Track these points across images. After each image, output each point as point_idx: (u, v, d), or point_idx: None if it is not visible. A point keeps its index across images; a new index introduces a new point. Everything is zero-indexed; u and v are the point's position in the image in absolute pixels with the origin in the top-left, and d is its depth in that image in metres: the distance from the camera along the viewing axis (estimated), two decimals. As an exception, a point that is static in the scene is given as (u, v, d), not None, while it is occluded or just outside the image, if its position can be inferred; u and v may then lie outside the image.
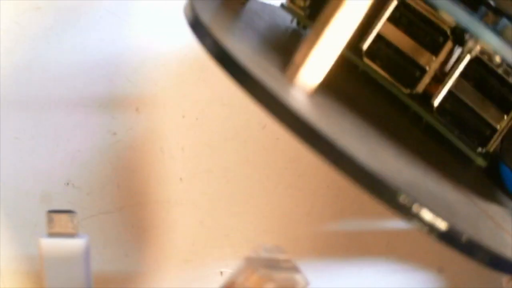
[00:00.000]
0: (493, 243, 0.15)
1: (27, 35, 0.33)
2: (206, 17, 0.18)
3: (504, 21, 0.17)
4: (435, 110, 0.21)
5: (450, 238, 0.14)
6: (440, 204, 0.16)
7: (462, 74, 0.21)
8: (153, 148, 0.33)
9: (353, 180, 0.14)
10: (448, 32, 0.21)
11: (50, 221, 0.25)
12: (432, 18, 0.21)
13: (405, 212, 0.14)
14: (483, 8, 0.19)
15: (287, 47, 0.21)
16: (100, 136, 0.33)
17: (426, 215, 0.14)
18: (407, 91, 0.22)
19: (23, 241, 0.32)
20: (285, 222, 0.34)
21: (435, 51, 0.21)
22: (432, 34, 0.22)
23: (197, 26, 0.18)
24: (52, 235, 0.25)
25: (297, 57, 0.17)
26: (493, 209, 0.20)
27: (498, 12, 0.18)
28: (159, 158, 0.33)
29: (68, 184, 0.33)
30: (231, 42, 0.17)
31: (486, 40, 0.15)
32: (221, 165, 0.34)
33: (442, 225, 0.14)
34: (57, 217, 0.25)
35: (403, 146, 0.19)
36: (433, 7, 0.20)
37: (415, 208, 0.14)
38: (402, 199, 0.14)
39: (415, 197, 0.14)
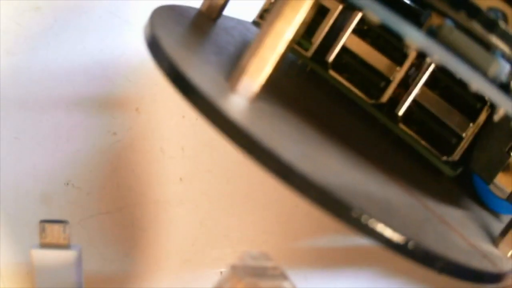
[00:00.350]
0: (438, 246, 0.15)
1: (27, 35, 0.33)
2: (166, 35, 0.19)
3: (448, 22, 0.17)
4: (400, 120, 0.21)
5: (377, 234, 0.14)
6: (376, 204, 0.15)
7: (426, 83, 0.21)
8: (153, 148, 0.33)
9: (279, 178, 0.14)
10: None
11: (42, 231, 0.25)
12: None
13: (333, 209, 0.14)
14: (427, 11, 0.19)
15: None
16: (100, 136, 0.33)
17: (352, 212, 0.14)
18: (371, 101, 0.22)
19: (23, 241, 0.32)
20: (285, 222, 0.34)
21: (399, 62, 0.22)
22: (396, 45, 0.22)
23: (153, 46, 0.18)
24: (44, 245, 0.25)
25: (239, 63, 0.17)
26: (452, 214, 0.20)
27: (442, 13, 0.18)
28: (159, 158, 0.33)
29: (68, 184, 0.33)
30: (181, 54, 0.18)
31: (411, 38, 0.15)
32: (221, 165, 0.34)
33: (366, 219, 0.14)
34: (50, 227, 0.25)
35: (359, 155, 0.19)
36: (358, 7, 0.20)
37: (338, 204, 0.14)
38: (325, 195, 0.14)
39: (342, 196, 0.14)
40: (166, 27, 0.19)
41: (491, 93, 0.16)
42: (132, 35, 0.33)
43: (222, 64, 0.20)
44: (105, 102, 0.33)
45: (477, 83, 0.15)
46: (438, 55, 0.15)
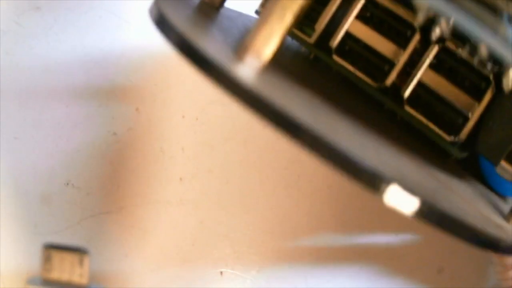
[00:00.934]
0: (453, 211, 0.15)
1: (27, 35, 0.33)
2: (172, 13, 0.19)
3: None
4: (405, 102, 0.21)
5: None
6: (390, 169, 0.15)
7: (431, 65, 0.21)
8: (153, 148, 0.33)
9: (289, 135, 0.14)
10: (416, 25, 0.21)
11: (47, 260, 0.15)
12: (400, 13, 0.22)
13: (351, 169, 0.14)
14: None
15: None
16: (100, 136, 0.33)
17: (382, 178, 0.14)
18: (375, 85, 0.22)
19: (23, 241, 0.32)
20: (285, 222, 0.34)
21: (403, 45, 0.22)
22: (400, 30, 0.22)
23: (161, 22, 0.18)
24: (47, 281, 0.16)
25: (248, 35, 0.17)
26: (462, 189, 0.20)
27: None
28: (159, 158, 0.33)
29: (68, 184, 0.33)
30: (189, 29, 0.18)
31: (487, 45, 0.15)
32: (221, 165, 0.34)
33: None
34: (58, 256, 0.15)
35: (368, 133, 0.19)
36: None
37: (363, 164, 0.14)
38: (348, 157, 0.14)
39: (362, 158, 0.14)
40: (171, 8, 0.20)
41: (504, 51, 0.16)
42: (132, 35, 0.33)
43: (228, 42, 0.20)
44: (105, 102, 0.33)
45: (489, 42, 0.15)
46: (449, 14, 0.15)
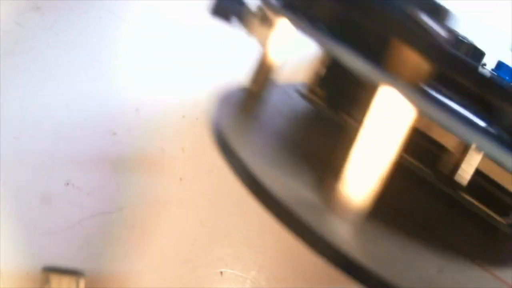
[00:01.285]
0: None
1: (27, 35, 0.33)
2: (231, 135, 0.18)
3: None
4: (463, 189, 0.22)
5: None
6: None
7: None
8: (153, 148, 0.33)
9: None
10: None
11: (45, 283, 0.16)
12: None
13: None
14: None
15: (313, 149, 0.21)
16: (100, 136, 0.33)
17: None
18: (431, 172, 0.22)
19: (23, 241, 0.32)
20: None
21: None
22: None
23: (226, 151, 0.18)
24: None
25: (343, 190, 0.16)
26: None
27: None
28: (159, 158, 0.33)
29: (68, 184, 0.33)
30: (260, 166, 0.17)
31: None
32: (221, 165, 0.34)
33: None
34: (56, 278, 0.16)
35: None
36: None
37: None
38: None
39: None
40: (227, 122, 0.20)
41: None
42: (132, 35, 0.33)
43: (297, 167, 0.19)
44: (105, 102, 0.33)
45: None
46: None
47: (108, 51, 0.33)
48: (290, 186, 0.17)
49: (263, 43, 0.21)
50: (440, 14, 0.17)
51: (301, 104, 0.25)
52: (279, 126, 0.22)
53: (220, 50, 0.35)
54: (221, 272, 0.33)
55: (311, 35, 0.17)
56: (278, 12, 0.19)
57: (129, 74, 0.33)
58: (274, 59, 0.22)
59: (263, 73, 0.22)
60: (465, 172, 0.22)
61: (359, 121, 0.23)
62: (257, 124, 0.22)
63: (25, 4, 0.33)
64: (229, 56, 0.35)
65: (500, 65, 0.26)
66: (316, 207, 0.17)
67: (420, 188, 0.23)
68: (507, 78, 0.25)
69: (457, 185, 0.22)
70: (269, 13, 0.20)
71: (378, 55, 0.16)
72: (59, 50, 0.33)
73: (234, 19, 0.20)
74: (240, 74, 0.37)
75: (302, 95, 0.24)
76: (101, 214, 0.33)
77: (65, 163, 0.33)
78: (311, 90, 0.24)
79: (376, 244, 0.17)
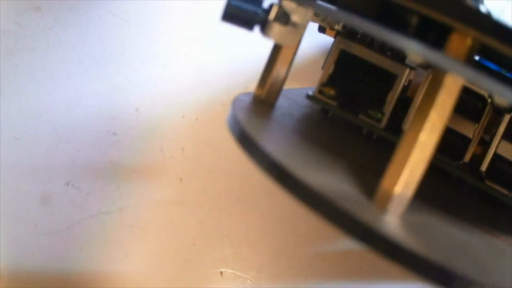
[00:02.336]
0: None
1: (27, 35, 0.33)
2: (253, 130, 0.18)
3: None
4: (485, 176, 0.21)
5: None
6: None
7: (504, 135, 0.21)
8: (153, 148, 0.33)
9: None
10: (487, 96, 0.21)
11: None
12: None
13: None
14: None
15: (336, 147, 0.21)
16: (100, 136, 0.33)
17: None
18: (455, 163, 0.22)
19: (23, 241, 0.32)
20: (284, 222, 0.34)
21: (476, 119, 0.22)
22: (475, 104, 0.22)
23: (247, 143, 0.18)
24: None
25: (385, 181, 0.16)
26: None
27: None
28: (159, 158, 0.33)
29: (68, 184, 0.33)
30: (288, 159, 0.17)
31: None
32: (221, 165, 0.34)
33: None
34: None
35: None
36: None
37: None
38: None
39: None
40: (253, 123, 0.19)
41: None
42: (132, 35, 0.33)
43: (324, 161, 0.19)
44: (105, 102, 0.33)
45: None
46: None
47: (108, 51, 0.33)
48: (323, 179, 0.17)
49: (280, 44, 0.20)
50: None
51: (312, 106, 0.24)
52: (295, 126, 0.22)
53: (220, 50, 0.35)
54: (221, 272, 0.33)
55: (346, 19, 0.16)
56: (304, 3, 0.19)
57: (129, 74, 0.33)
58: (287, 62, 0.21)
59: (274, 78, 0.22)
60: (485, 159, 0.22)
61: (374, 119, 0.22)
62: (273, 125, 0.21)
63: (25, 4, 0.33)
64: (229, 55, 0.35)
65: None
66: (357, 198, 0.17)
67: (446, 180, 0.23)
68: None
69: (479, 173, 0.22)
70: (291, 10, 0.19)
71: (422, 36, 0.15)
72: (59, 50, 0.33)
73: (250, 22, 0.20)
74: (241, 75, 0.37)
75: (311, 97, 0.23)
76: (101, 214, 0.33)
77: (65, 163, 0.33)
78: (320, 90, 0.23)
79: (423, 233, 0.17)
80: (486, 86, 0.14)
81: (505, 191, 0.21)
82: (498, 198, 0.22)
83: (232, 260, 0.33)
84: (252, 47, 0.33)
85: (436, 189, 0.22)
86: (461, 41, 0.15)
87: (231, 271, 0.33)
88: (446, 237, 0.17)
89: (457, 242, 0.17)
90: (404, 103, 0.22)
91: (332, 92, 0.23)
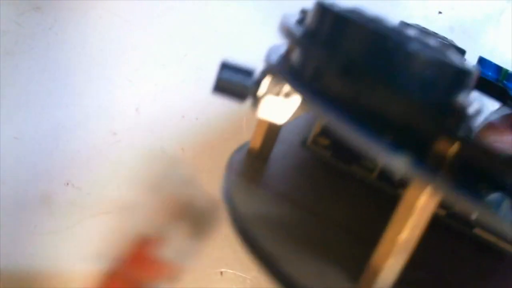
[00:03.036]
0: None
1: (27, 35, 0.33)
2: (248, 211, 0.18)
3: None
4: (474, 225, 0.22)
5: None
6: None
7: None
8: (153, 148, 0.33)
9: None
10: None
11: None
12: None
13: None
14: None
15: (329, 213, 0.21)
16: (100, 136, 0.33)
17: None
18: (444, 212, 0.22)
19: (23, 241, 0.32)
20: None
21: None
22: None
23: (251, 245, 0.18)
24: None
25: (371, 265, 0.16)
26: None
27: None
28: (159, 158, 0.33)
29: (68, 184, 0.33)
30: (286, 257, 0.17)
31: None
32: (221, 165, 0.34)
33: None
34: None
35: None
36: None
37: None
38: None
39: None
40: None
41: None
42: (132, 35, 0.33)
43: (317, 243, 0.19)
44: (105, 102, 0.33)
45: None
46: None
47: (108, 51, 0.33)
48: (306, 268, 0.17)
49: (267, 114, 0.20)
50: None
51: (307, 156, 0.24)
52: (286, 186, 0.22)
53: (221, 50, 0.35)
54: (221, 272, 0.33)
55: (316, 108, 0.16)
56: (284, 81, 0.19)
57: (129, 74, 0.33)
58: (278, 123, 0.21)
59: (267, 133, 0.22)
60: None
61: (367, 169, 0.22)
62: (266, 193, 0.21)
63: (25, 4, 0.33)
64: (229, 55, 0.35)
65: (481, 61, 0.25)
66: None
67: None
68: (490, 73, 0.25)
69: (467, 221, 0.22)
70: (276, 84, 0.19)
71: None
72: (59, 50, 0.33)
73: (242, 95, 0.19)
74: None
75: (306, 147, 0.23)
76: (101, 214, 0.33)
77: (65, 163, 0.33)
78: (314, 140, 0.23)
79: None
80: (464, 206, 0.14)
81: (494, 238, 0.21)
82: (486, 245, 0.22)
83: (232, 260, 0.33)
84: (251, 47, 0.33)
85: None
86: (445, 146, 0.15)
87: (231, 271, 0.33)
88: None
89: None
90: None
91: (326, 142, 0.23)
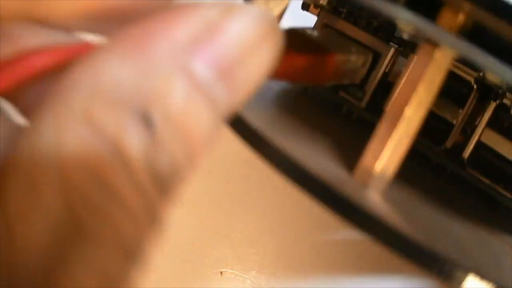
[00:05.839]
0: None
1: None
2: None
3: None
4: (466, 163, 0.21)
5: None
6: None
7: (488, 123, 0.21)
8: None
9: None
10: (473, 82, 0.21)
11: None
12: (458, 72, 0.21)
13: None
14: None
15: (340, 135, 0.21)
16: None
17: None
18: (438, 148, 0.21)
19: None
20: (285, 222, 0.34)
21: (461, 104, 0.21)
22: (459, 88, 0.21)
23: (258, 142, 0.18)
24: None
25: (367, 157, 0.16)
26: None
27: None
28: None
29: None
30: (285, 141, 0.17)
31: None
32: (221, 165, 0.34)
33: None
34: None
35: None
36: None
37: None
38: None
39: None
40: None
41: None
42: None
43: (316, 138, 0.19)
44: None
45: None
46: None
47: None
48: (303, 151, 0.17)
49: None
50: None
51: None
52: (273, 100, 0.22)
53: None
54: (221, 272, 0.33)
55: None
56: None
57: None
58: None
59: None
60: (468, 146, 0.21)
61: (355, 97, 0.22)
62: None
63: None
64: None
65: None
66: (337, 173, 0.16)
67: (425, 165, 0.22)
68: None
69: (461, 160, 0.21)
70: None
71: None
72: (59, 50, 0.33)
73: None
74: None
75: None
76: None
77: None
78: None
79: (404, 211, 0.16)
80: (479, 60, 0.14)
81: (487, 181, 0.21)
82: (479, 187, 0.21)
83: (232, 260, 0.33)
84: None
85: (416, 174, 0.22)
86: (452, 17, 0.15)
87: (231, 271, 0.33)
88: (428, 219, 0.17)
89: (439, 225, 0.17)
90: (385, 87, 0.22)
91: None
